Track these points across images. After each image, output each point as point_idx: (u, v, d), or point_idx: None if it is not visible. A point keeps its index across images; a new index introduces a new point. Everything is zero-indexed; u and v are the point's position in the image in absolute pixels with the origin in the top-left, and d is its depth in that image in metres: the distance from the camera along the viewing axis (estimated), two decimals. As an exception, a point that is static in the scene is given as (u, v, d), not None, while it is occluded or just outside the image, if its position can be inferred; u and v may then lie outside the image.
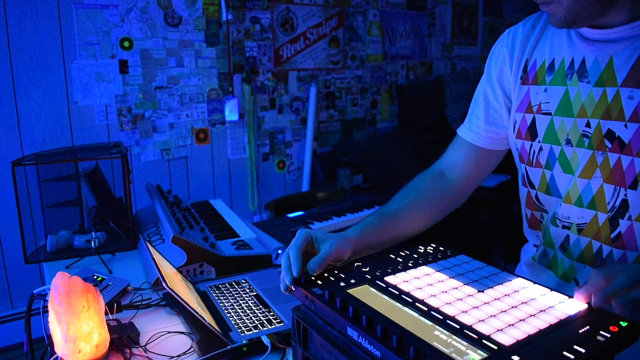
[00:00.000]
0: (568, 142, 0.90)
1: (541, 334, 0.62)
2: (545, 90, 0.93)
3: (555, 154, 0.92)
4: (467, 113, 1.12)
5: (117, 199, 1.67)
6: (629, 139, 0.82)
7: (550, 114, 0.92)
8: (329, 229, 2.33)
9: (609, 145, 0.84)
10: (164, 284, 0.98)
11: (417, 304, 0.69)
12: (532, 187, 0.99)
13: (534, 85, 0.94)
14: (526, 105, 0.96)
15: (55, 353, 0.94)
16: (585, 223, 0.89)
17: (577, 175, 0.89)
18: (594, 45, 0.85)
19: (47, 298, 0.97)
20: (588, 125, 0.87)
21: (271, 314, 1.10)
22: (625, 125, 0.82)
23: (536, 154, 0.96)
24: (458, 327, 0.63)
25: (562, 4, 0.79)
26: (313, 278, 0.78)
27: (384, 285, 0.75)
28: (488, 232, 3.14)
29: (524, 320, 0.65)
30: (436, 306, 0.69)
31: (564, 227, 0.93)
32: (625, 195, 0.84)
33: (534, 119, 0.95)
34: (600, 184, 0.86)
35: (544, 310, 0.68)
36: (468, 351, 0.58)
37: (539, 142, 0.94)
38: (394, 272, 0.80)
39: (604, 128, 0.84)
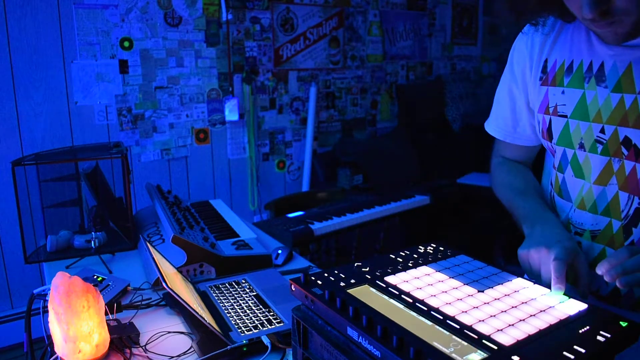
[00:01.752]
0: (581, 146, 0.89)
1: (541, 334, 0.62)
2: (563, 92, 0.92)
3: (568, 158, 0.92)
4: (491, 111, 1.13)
5: (117, 199, 1.67)
6: None
7: (566, 116, 0.91)
8: (329, 229, 2.33)
9: (625, 152, 0.83)
10: (164, 284, 0.98)
11: (417, 304, 0.69)
12: (551, 187, 1.00)
13: (552, 87, 0.94)
14: (545, 107, 0.95)
15: (55, 353, 0.94)
16: (599, 230, 0.89)
17: (592, 182, 0.88)
18: (613, 50, 0.84)
19: (47, 298, 0.97)
20: (602, 131, 0.86)
21: (271, 314, 1.10)
22: None
23: (553, 156, 0.97)
24: (458, 327, 0.63)
25: (629, 20, 0.75)
26: (313, 278, 0.78)
27: (384, 285, 0.75)
28: (488, 232, 3.14)
29: (524, 320, 0.65)
30: (436, 306, 0.69)
31: (576, 233, 0.92)
32: (639, 204, 0.83)
33: (550, 121, 0.94)
34: (615, 191, 0.86)
35: (544, 310, 0.68)
36: (468, 351, 0.58)
37: (555, 144, 0.94)
38: (394, 272, 0.80)
39: (620, 135, 0.84)
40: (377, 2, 3.69)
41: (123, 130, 2.81)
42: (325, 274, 0.79)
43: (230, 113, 3.13)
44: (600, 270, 0.74)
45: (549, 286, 0.76)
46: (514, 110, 1.05)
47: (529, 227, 0.92)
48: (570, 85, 0.91)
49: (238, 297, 1.19)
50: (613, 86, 0.84)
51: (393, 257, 0.87)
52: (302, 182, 3.44)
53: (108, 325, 0.99)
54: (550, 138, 0.95)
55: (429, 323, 0.64)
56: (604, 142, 0.86)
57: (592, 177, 0.88)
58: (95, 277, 1.27)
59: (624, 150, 0.84)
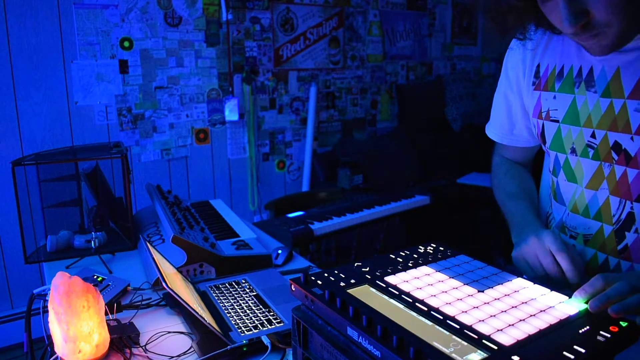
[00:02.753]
0: (573, 151, 0.90)
1: (541, 334, 0.62)
2: (555, 97, 0.92)
3: (560, 162, 0.93)
4: (490, 116, 1.15)
5: (117, 199, 1.67)
6: (635, 152, 0.81)
7: (557, 121, 0.92)
8: (329, 229, 2.33)
9: (616, 157, 0.83)
10: (164, 284, 0.98)
11: (417, 304, 0.69)
12: (550, 190, 1.01)
13: (545, 92, 0.94)
14: (538, 111, 0.96)
15: (55, 353, 0.94)
16: (591, 234, 0.89)
17: (584, 186, 0.89)
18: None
19: (47, 298, 0.97)
20: (593, 135, 0.86)
21: (271, 314, 1.10)
22: (632, 138, 0.81)
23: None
24: (458, 327, 0.63)
25: (611, 32, 0.74)
26: (313, 278, 0.78)
27: (384, 285, 0.75)
28: (488, 232, 3.15)
29: (524, 320, 0.65)
30: (436, 306, 0.69)
31: (571, 236, 0.93)
32: (631, 208, 0.83)
33: (543, 126, 0.95)
34: (606, 195, 0.86)
35: (544, 310, 0.68)
36: (468, 351, 0.58)
37: (548, 148, 0.95)
38: (394, 272, 0.80)
39: (610, 140, 0.84)
40: (377, 2, 3.69)
41: (123, 130, 2.81)
42: (325, 274, 0.79)
43: (230, 113, 3.13)
44: (577, 297, 0.73)
45: (554, 281, 0.76)
46: (510, 114, 1.07)
47: (516, 235, 0.95)
48: (561, 90, 0.91)
49: (238, 297, 1.19)
50: (602, 91, 0.84)
51: (393, 257, 0.87)
52: (302, 182, 3.44)
53: (108, 325, 0.99)
54: (544, 142, 0.96)
55: (429, 323, 0.64)
56: (595, 146, 0.86)
57: (584, 182, 0.89)
58: (95, 277, 1.27)
59: (614, 155, 0.84)
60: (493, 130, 1.13)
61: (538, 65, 0.96)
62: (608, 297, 0.67)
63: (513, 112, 1.05)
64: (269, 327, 1.05)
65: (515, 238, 0.94)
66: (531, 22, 0.86)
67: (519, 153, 1.14)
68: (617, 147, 0.83)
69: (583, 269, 0.83)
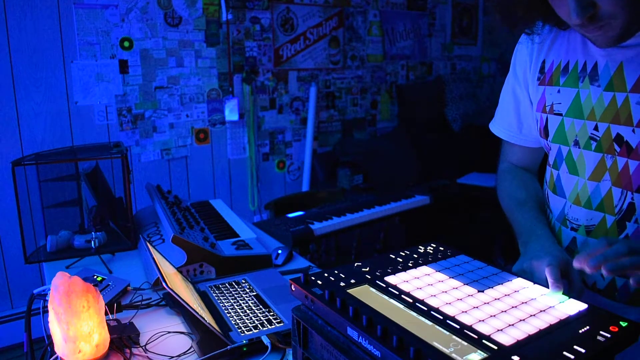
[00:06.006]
0: (576, 143, 0.91)
1: (541, 334, 0.62)
2: (559, 91, 0.94)
3: (563, 155, 0.94)
4: (496, 112, 1.14)
5: (117, 199, 1.67)
6: (636, 144, 0.83)
7: (561, 114, 0.94)
8: (329, 229, 2.33)
9: (618, 149, 0.85)
10: (164, 284, 0.98)
11: (417, 304, 0.69)
12: (546, 184, 1.02)
13: (549, 86, 0.96)
14: (542, 105, 0.98)
15: (55, 353, 0.94)
16: (594, 225, 0.91)
17: (587, 178, 0.90)
18: (605, 50, 0.87)
19: (47, 298, 0.97)
20: (596, 128, 0.88)
21: (271, 314, 1.10)
22: (633, 131, 0.83)
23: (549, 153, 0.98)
24: (458, 327, 0.63)
25: (617, 24, 0.77)
26: (313, 278, 0.78)
27: (384, 285, 0.75)
28: (488, 232, 3.14)
29: (524, 320, 0.65)
30: (436, 306, 0.69)
31: (572, 229, 0.94)
32: (632, 199, 0.85)
33: (547, 119, 0.96)
34: (609, 187, 0.88)
35: (544, 310, 0.68)
36: (468, 351, 0.58)
37: (550, 141, 0.96)
38: (394, 272, 0.80)
39: (613, 132, 0.86)
40: (377, 2, 3.69)
41: (123, 130, 2.81)
42: (325, 274, 0.79)
43: (230, 113, 3.13)
44: (577, 263, 0.75)
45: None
46: (519, 111, 1.07)
47: (522, 245, 0.95)
48: (566, 85, 0.93)
49: (238, 297, 1.19)
50: (605, 85, 0.87)
51: (393, 257, 0.87)
52: (302, 182, 3.44)
53: (108, 325, 0.99)
54: (547, 136, 0.97)
55: (429, 323, 0.64)
56: (598, 139, 0.88)
57: (586, 174, 0.90)
58: (95, 277, 1.27)
59: (616, 147, 0.86)
60: (499, 128, 1.12)
61: (543, 61, 0.98)
62: (605, 256, 0.71)
63: (522, 110, 1.06)
64: (269, 327, 1.05)
65: (522, 248, 0.95)
66: (539, 17, 0.88)
67: (526, 155, 1.13)
68: (619, 139, 0.85)
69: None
